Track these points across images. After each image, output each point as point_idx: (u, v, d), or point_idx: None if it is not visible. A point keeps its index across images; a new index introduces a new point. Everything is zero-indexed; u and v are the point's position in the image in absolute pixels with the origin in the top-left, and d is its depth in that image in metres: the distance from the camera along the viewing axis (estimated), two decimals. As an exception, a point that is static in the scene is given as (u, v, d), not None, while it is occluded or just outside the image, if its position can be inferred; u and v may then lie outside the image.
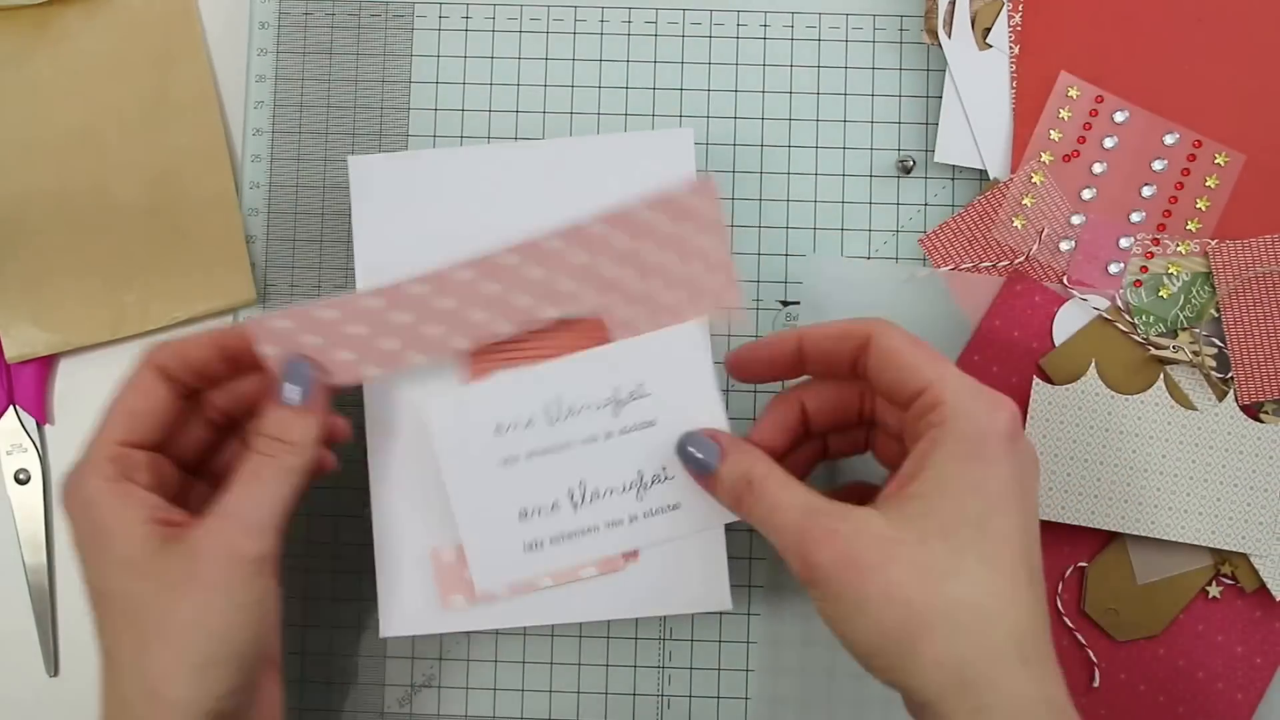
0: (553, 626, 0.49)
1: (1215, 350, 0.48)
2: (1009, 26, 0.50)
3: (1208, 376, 0.48)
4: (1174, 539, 0.47)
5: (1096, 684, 0.48)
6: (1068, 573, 0.48)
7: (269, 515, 0.38)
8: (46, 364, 0.51)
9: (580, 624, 0.49)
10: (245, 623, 0.37)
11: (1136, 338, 0.48)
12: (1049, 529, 0.48)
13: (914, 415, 0.38)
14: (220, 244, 0.50)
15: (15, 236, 0.50)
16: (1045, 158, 0.49)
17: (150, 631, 0.36)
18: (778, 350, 0.41)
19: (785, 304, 0.50)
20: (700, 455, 0.41)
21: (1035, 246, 0.49)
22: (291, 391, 0.40)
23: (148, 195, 0.50)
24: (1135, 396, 0.47)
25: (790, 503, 0.37)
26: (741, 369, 0.43)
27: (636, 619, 0.49)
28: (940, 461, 0.35)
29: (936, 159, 0.50)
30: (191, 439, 0.42)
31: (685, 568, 0.45)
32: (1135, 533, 0.47)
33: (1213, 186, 0.49)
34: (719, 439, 0.41)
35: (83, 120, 0.50)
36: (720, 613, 0.49)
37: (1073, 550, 0.48)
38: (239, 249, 0.50)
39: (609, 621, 0.49)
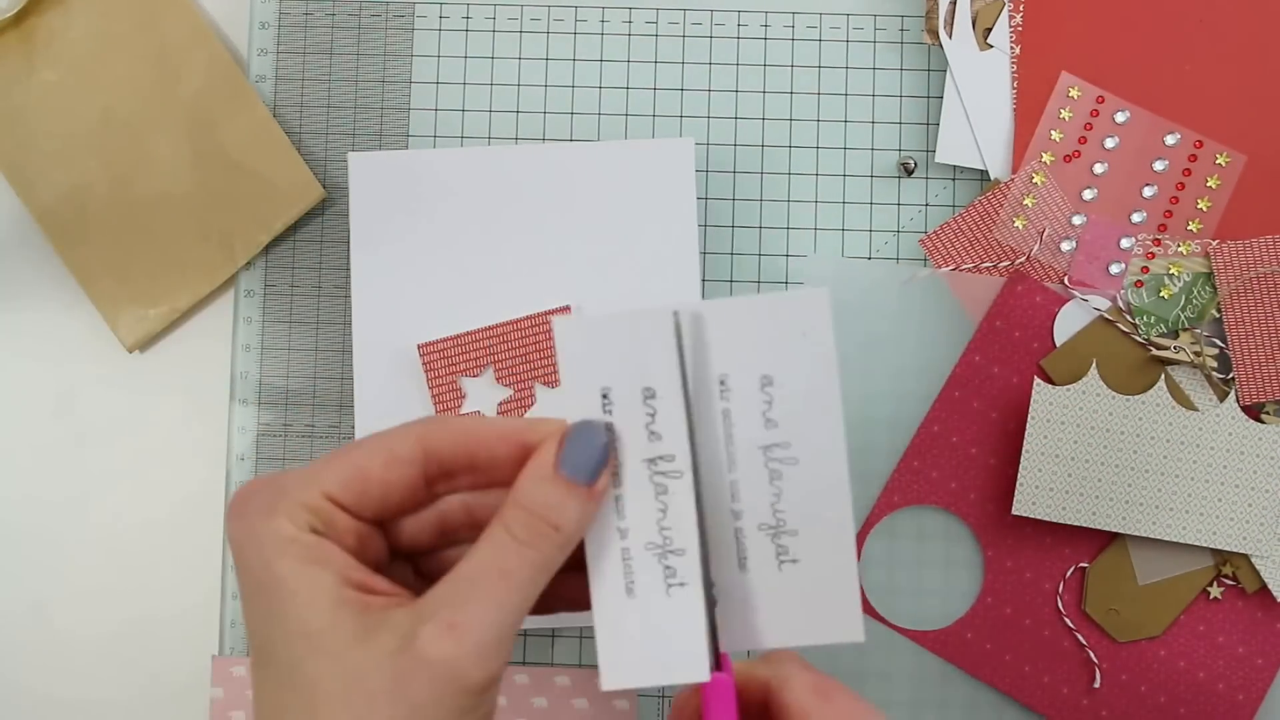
0: (553, 629, 0.49)
1: (1216, 351, 0.48)
2: (1010, 27, 0.50)
3: (1209, 377, 0.48)
4: (1175, 540, 0.47)
5: (1098, 685, 0.48)
6: (1069, 573, 0.48)
7: (510, 628, 0.28)
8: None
9: (580, 626, 0.49)
10: None
11: (1137, 338, 0.48)
12: (1050, 529, 0.48)
13: None
14: (271, 159, 0.50)
15: (82, 230, 0.51)
16: (1046, 158, 0.49)
17: None
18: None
19: (786, 304, 0.50)
20: None
21: (1036, 247, 0.49)
22: (579, 460, 0.29)
23: (188, 146, 0.50)
24: (1136, 397, 0.47)
25: None
26: None
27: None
28: None
29: (937, 159, 0.50)
30: (418, 528, 0.32)
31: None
32: (1136, 533, 0.47)
33: (1214, 187, 0.49)
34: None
35: (101, 105, 0.51)
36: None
37: (1074, 551, 0.48)
38: (291, 156, 0.50)
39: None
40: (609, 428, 0.30)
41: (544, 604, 0.31)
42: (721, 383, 0.30)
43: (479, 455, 0.31)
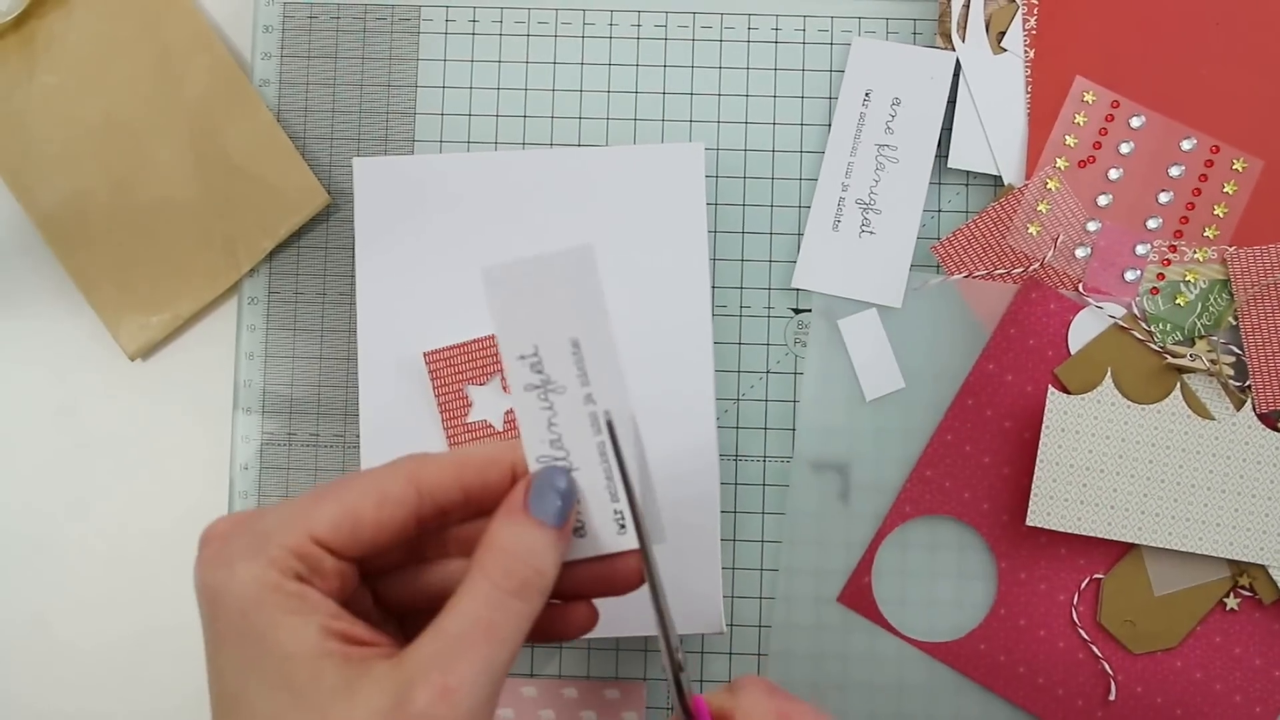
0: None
1: (1233, 359, 0.47)
2: (1024, 30, 0.49)
3: (1225, 385, 0.47)
4: (1191, 550, 0.46)
5: (1113, 697, 0.47)
6: (1084, 584, 0.48)
7: (501, 681, 0.28)
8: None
9: (588, 639, 0.48)
10: None
11: (1153, 346, 0.47)
12: (1064, 540, 0.47)
13: None
14: (275, 164, 0.50)
15: (84, 236, 0.50)
16: (1060, 163, 0.48)
17: None
18: None
19: (797, 311, 0.49)
20: None
21: (1050, 253, 0.48)
22: (547, 503, 0.30)
23: (191, 151, 0.50)
24: (1152, 406, 0.46)
25: None
26: None
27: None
28: None
29: (950, 164, 0.49)
30: (410, 584, 0.33)
31: (682, 589, 0.45)
32: (1152, 544, 0.46)
33: (1230, 192, 0.48)
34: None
35: (103, 109, 0.50)
36: (715, 633, 0.49)
37: (1089, 562, 0.48)
38: (295, 161, 0.50)
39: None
40: (568, 471, 0.31)
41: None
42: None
43: (471, 484, 0.31)
